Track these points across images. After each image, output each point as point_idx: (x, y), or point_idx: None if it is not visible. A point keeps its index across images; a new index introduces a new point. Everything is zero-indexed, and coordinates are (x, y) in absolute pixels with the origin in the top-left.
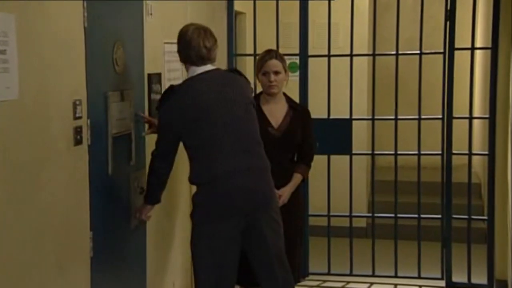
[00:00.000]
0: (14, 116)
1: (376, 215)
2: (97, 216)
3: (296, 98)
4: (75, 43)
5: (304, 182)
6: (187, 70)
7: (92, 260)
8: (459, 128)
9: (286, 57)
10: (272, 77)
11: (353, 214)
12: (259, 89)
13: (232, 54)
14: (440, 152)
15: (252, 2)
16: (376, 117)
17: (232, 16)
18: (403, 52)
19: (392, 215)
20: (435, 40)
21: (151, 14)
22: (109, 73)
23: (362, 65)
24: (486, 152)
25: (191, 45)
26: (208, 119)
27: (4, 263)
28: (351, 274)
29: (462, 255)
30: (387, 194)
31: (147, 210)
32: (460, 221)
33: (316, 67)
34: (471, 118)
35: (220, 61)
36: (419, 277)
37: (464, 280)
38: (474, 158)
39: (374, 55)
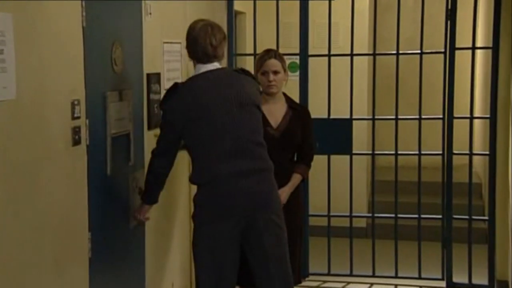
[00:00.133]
0: (11, 116)
1: (376, 215)
2: (96, 216)
3: (296, 98)
4: (74, 43)
5: (304, 182)
6: (194, 66)
7: (91, 261)
8: (460, 128)
9: (286, 57)
10: (271, 76)
11: (353, 214)
12: None
13: (232, 54)
14: (440, 152)
15: (252, 2)
16: (376, 117)
17: (232, 16)
18: (403, 51)
19: (393, 215)
20: (436, 39)
21: (150, 13)
22: (108, 73)
23: (362, 65)
24: (487, 152)
25: (197, 42)
26: (208, 119)
27: (2, 264)
28: (351, 275)
29: (463, 255)
30: (387, 194)
31: (145, 210)
32: (461, 221)
33: (316, 67)
34: (471, 118)
35: None
36: (420, 278)
37: (465, 280)
38: (475, 158)
39: (374, 54)
